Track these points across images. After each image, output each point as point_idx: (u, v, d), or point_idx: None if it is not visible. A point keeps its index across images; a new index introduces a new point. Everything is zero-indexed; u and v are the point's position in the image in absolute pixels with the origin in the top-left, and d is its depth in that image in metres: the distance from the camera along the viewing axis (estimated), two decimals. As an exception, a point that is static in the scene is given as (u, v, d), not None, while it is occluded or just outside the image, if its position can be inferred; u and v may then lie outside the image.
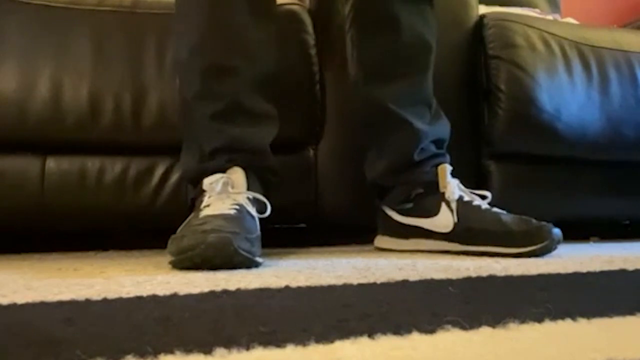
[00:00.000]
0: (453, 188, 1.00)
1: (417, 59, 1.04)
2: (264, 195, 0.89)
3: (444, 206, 0.99)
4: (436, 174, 1.01)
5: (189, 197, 0.95)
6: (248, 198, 0.86)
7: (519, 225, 0.93)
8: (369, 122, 1.07)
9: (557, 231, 0.92)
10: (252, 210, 0.85)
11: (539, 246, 0.91)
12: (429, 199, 1.01)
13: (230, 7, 0.91)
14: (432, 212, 1.00)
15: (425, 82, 1.05)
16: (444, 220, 0.99)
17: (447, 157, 1.06)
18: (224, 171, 0.88)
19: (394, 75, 1.04)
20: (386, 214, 1.08)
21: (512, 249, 0.92)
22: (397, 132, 1.03)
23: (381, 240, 1.09)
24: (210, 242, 0.72)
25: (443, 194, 1.00)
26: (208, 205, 0.83)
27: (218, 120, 0.91)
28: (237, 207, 0.82)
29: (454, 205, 0.98)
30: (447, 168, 1.01)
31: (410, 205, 1.04)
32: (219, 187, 0.85)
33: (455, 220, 0.98)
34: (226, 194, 0.85)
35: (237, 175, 0.88)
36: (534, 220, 0.93)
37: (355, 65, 1.08)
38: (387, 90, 1.03)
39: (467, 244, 0.97)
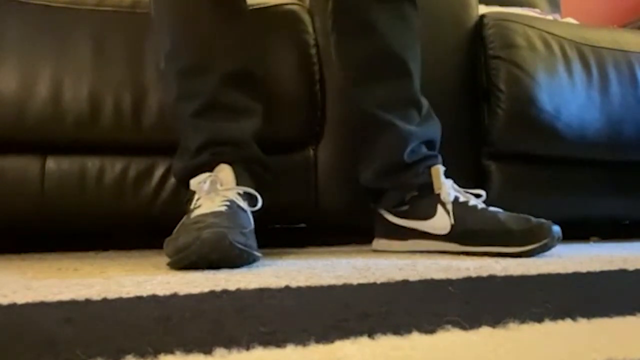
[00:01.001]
0: (448, 189, 0.99)
1: (398, 63, 1.03)
2: (256, 189, 0.89)
3: (440, 208, 0.99)
4: (430, 176, 1.01)
5: (185, 199, 0.96)
6: (238, 193, 0.86)
7: (518, 223, 0.93)
8: (357, 126, 1.08)
9: (556, 229, 0.92)
10: (244, 205, 0.85)
11: (539, 244, 0.91)
12: (425, 201, 1.01)
13: (197, 10, 0.94)
14: (429, 215, 1.01)
15: (409, 84, 1.04)
16: (441, 222, 0.99)
17: (440, 158, 1.05)
18: (210, 168, 0.89)
19: (376, 80, 1.03)
20: (382, 217, 1.07)
21: (512, 248, 0.92)
22: (384, 135, 1.03)
23: (379, 243, 1.09)
24: (205, 238, 0.72)
25: (438, 195, 1.00)
26: (199, 206, 0.84)
27: (198, 118, 0.93)
28: (227, 203, 0.82)
29: (449, 207, 0.98)
30: (441, 169, 1.01)
31: (405, 207, 1.04)
32: (206, 186, 0.85)
33: (452, 222, 0.98)
34: (215, 192, 0.85)
35: (225, 172, 0.88)
36: (532, 218, 0.93)
37: (339, 69, 1.09)
38: (371, 94, 1.04)
39: (467, 244, 0.97)
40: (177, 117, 0.96)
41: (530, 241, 0.91)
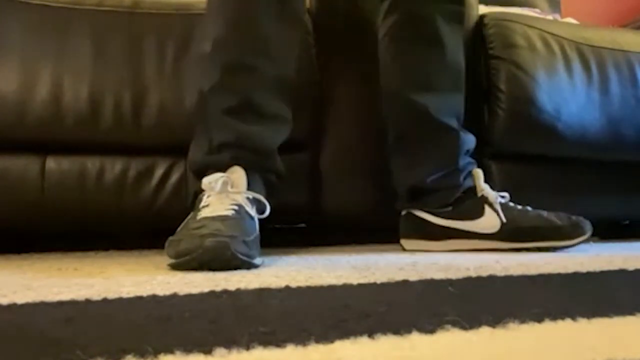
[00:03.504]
0: (492, 191, 1.05)
1: (457, 77, 1.11)
2: (266, 196, 0.89)
3: (487, 208, 1.04)
4: (472, 179, 1.07)
5: (190, 190, 0.95)
6: (248, 198, 0.86)
7: (561, 219, 1.02)
8: (409, 129, 1.10)
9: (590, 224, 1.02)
10: (251, 211, 0.84)
11: (585, 237, 1.01)
12: (469, 202, 1.06)
13: (259, 7, 0.93)
14: (475, 215, 1.04)
15: (461, 97, 1.11)
16: (490, 222, 1.03)
17: (476, 163, 1.11)
18: (226, 168, 0.88)
19: (437, 89, 1.08)
20: (416, 217, 1.09)
21: (563, 242, 1.00)
22: (441, 139, 1.08)
23: (412, 243, 1.10)
24: (207, 246, 0.72)
25: (484, 197, 1.05)
26: (207, 206, 0.83)
27: (229, 115, 0.92)
28: (235, 207, 0.82)
29: (498, 207, 1.03)
30: (480, 172, 1.07)
31: (449, 208, 1.07)
32: (218, 186, 0.85)
33: (504, 220, 1.02)
34: (225, 194, 0.85)
35: (238, 174, 0.88)
36: (570, 215, 1.02)
37: (397, 74, 1.11)
38: (431, 101, 1.08)
39: (518, 241, 1.01)
40: (207, 108, 0.94)
41: (578, 235, 1.01)
